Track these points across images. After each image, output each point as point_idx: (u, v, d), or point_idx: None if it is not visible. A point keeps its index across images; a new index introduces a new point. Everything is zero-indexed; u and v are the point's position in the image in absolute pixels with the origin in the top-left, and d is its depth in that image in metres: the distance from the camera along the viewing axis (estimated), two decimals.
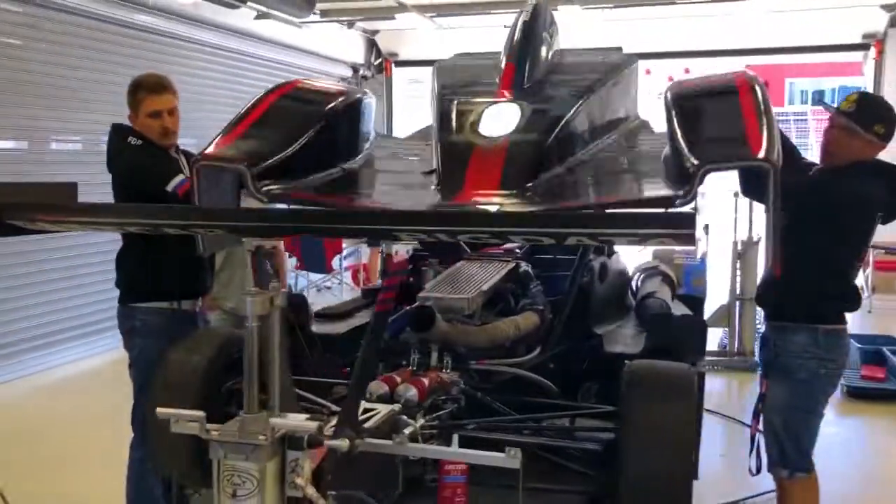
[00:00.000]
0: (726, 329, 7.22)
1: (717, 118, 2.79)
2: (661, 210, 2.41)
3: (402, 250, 3.89)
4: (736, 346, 7.13)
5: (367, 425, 2.64)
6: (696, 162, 2.47)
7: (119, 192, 3.49)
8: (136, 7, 7.19)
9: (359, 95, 3.61)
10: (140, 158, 3.41)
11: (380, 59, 12.75)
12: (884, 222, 3.10)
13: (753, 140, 2.50)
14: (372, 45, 12.58)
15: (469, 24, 10.94)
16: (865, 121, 3.04)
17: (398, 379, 2.92)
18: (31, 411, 5.91)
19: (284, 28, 9.20)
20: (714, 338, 7.52)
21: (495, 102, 3.36)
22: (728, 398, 6.41)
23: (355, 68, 12.42)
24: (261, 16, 8.46)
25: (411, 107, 13.92)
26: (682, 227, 1.72)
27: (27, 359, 6.68)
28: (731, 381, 6.77)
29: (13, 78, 6.39)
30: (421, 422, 2.79)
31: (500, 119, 3.25)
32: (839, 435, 5.32)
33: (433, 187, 3.09)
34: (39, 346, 6.79)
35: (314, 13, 10.18)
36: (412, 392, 2.85)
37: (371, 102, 3.74)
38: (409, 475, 3.04)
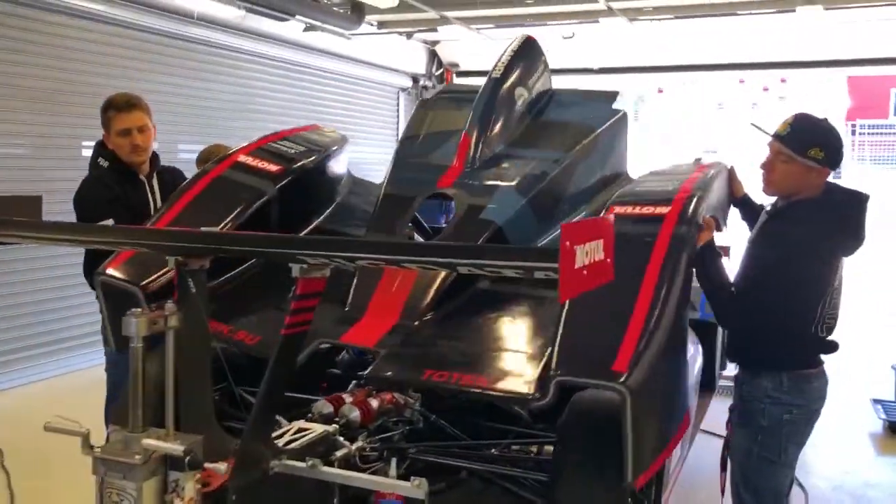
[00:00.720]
0: None
1: (602, 319, 2.52)
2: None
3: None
4: None
5: (293, 445, 2.64)
6: (553, 371, 2.36)
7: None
8: (183, 19, 7.41)
9: (312, 159, 3.60)
10: (87, 190, 3.59)
11: (441, 70, 12.80)
12: (847, 254, 2.88)
13: (622, 357, 2.31)
14: (433, 56, 12.65)
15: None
16: (800, 145, 2.81)
17: (346, 399, 2.91)
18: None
19: (339, 39, 9.32)
20: None
21: (432, 193, 3.32)
22: None
23: (415, 78, 12.50)
24: (309, 28, 8.60)
25: None
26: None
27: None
28: None
29: (61, 88, 6.70)
30: (359, 444, 2.77)
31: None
32: (881, 474, 5.06)
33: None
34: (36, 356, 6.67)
35: (370, 24, 10.35)
36: (355, 413, 2.82)
37: (339, 158, 3.76)
38: (356, 495, 3.02)
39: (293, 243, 2.26)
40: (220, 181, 3.32)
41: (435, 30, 10.00)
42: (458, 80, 12.99)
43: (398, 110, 12.48)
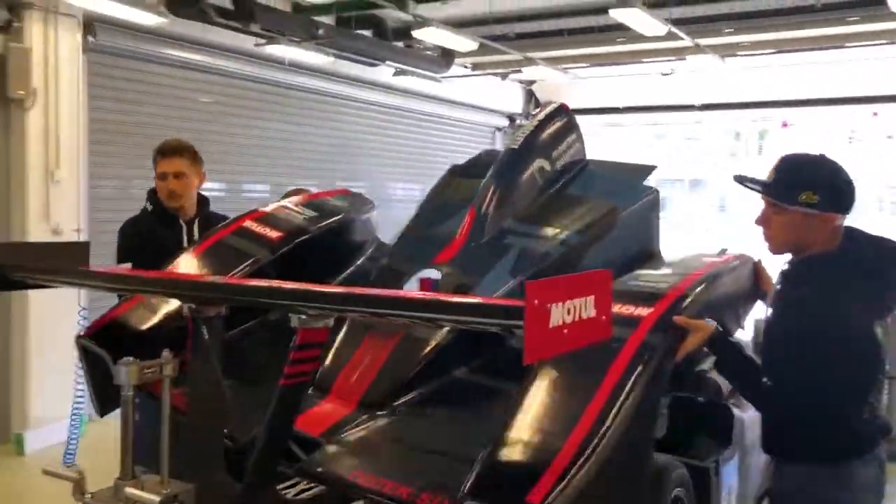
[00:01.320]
0: None
1: (537, 435, 2.25)
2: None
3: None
4: None
5: (302, 497, 2.64)
6: (462, 493, 2.09)
7: None
8: (274, 65, 7.75)
9: (321, 226, 3.58)
10: (122, 230, 3.79)
11: (538, 109, 12.76)
12: (882, 317, 2.44)
13: (542, 484, 2.04)
14: (529, 95, 12.65)
15: (624, 73, 10.74)
16: (787, 191, 2.43)
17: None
18: None
19: (438, 83, 9.47)
20: None
21: (424, 270, 3.17)
22: None
23: (511, 118, 12.53)
24: (399, 72, 8.78)
25: None
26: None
27: None
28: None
29: (159, 134, 7.09)
30: None
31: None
32: None
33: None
34: None
35: (465, 66, 10.48)
36: None
37: (362, 219, 3.78)
38: None
39: (294, 294, 2.26)
40: (219, 246, 3.37)
41: (520, 70, 9.98)
42: None
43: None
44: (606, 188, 3.68)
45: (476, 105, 11.51)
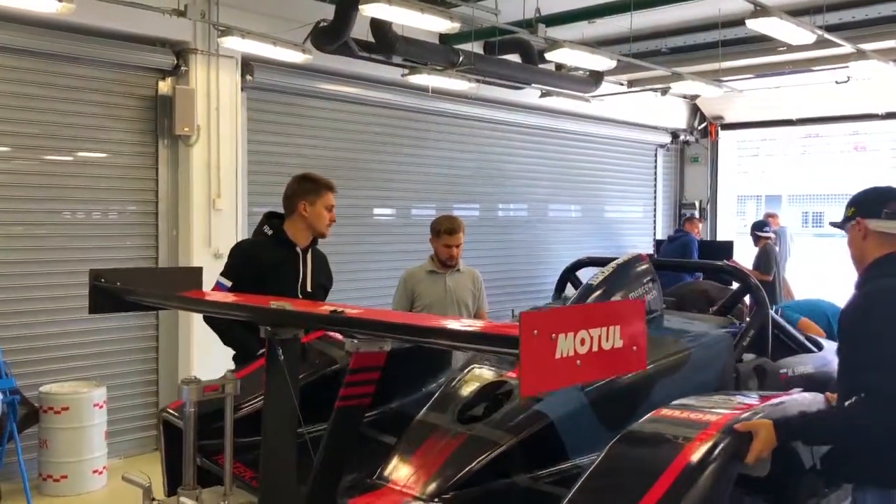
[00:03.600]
0: None
1: None
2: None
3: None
4: None
5: None
6: None
7: None
8: (420, 93, 8.02)
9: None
10: (241, 248, 4.15)
11: (704, 123, 12.29)
12: None
13: None
14: (694, 110, 12.19)
15: (793, 83, 10.11)
16: (843, 216, 2.68)
17: None
18: None
19: (591, 102, 9.40)
20: None
21: (491, 383, 3.27)
22: None
23: (675, 134, 12.13)
24: (545, 94, 8.78)
25: (744, 168, 13.10)
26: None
27: None
28: None
29: (321, 164, 7.56)
30: None
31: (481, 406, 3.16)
32: None
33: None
34: None
35: (620, 84, 10.30)
36: None
37: None
38: None
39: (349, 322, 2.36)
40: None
41: (669, 87, 9.63)
42: (722, 133, 12.40)
43: (656, 168, 12.16)
44: (682, 330, 3.77)
45: (634, 122, 11.24)
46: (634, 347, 1.97)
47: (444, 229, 4.95)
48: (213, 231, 6.69)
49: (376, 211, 8.37)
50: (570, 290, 4.95)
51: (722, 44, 8.25)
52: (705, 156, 12.42)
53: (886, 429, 2.32)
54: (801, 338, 4.14)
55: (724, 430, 2.42)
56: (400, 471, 2.99)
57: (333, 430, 2.46)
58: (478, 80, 7.87)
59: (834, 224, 2.77)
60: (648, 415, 2.67)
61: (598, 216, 11.22)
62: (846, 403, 2.41)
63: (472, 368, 3.52)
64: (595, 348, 1.87)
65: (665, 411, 2.73)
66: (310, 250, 4.10)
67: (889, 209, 2.56)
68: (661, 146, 12.14)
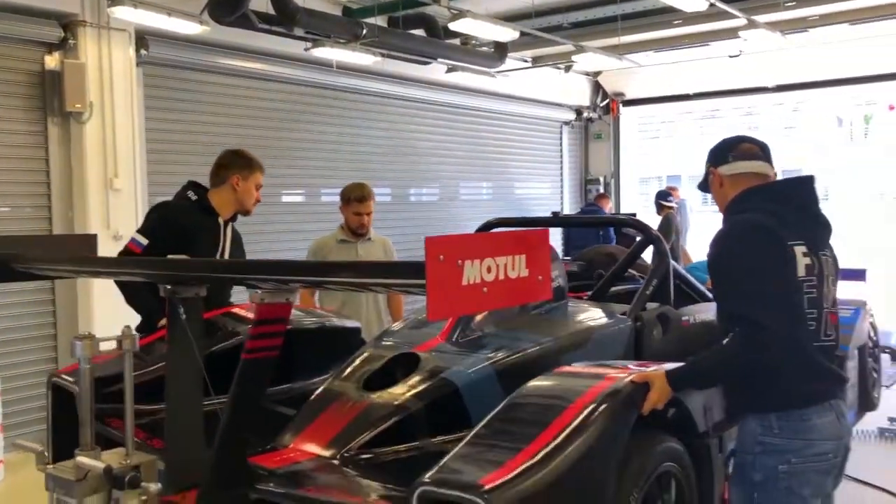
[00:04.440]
0: None
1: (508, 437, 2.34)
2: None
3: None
4: None
5: (279, 470, 2.67)
6: (422, 479, 2.11)
7: None
8: (322, 69, 7.90)
9: None
10: (158, 207, 4.01)
11: (606, 100, 12.55)
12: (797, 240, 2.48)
13: (499, 472, 2.09)
14: (597, 87, 12.44)
15: (689, 58, 10.43)
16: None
17: None
18: None
19: (496, 78, 9.44)
20: None
21: (399, 355, 3.29)
22: None
23: (579, 111, 12.34)
24: (451, 69, 8.78)
25: (644, 150, 13.50)
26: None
27: None
28: None
29: (219, 141, 7.34)
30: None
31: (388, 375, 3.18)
32: None
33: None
34: None
35: (525, 60, 10.39)
36: None
37: None
38: None
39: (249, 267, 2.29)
40: None
41: (574, 62, 9.78)
42: (624, 110, 12.70)
43: (561, 144, 12.36)
44: (587, 316, 3.85)
45: (539, 99, 11.38)
46: (540, 277, 1.98)
47: (354, 196, 4.89)
48: (111, 212, 6.42)
49: (282, 191, 8.20)
50: None
51: (621, 17, 8.43)
52: (608, 132, 12.70)
53: (755, 356, 2.40)
54: (702, 288, 4.27)
55: (619, 381, 2.49)
56: (302, 434, 2.95)
57: (239, 384, 2.40)
58: (383, 55, 7.80)
59: (700, 187, 2.86)
60: (546, 373, 2.73)
61: (507, 193, 11.33)
62: (724, 341, 2.48)
63: (381, 343, 3.52)
64: (501, 276, 1.87)
65: (563, 368, 2.79)
66: (230, 225, 4.04)
67: (735, 153, 2.69)
68: (566, 123, 12.33)
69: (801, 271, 2.47)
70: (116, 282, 3.73)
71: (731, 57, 10.25)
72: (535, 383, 2.59)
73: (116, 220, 6.42)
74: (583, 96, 12.30)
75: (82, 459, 2.10)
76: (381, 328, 4.93)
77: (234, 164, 4.03)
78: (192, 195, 3.98)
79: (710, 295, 4.30)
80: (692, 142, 13.98)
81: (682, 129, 13.46)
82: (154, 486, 2.09)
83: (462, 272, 1.76)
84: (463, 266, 1.77)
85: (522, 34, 7.08)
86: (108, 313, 5.86)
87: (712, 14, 7.06)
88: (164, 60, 6.92)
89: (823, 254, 2.57)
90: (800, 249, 2.49)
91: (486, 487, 2.03)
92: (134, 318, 3.88)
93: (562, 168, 12.39)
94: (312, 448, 2.82)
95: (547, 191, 12.23)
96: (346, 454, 2.77)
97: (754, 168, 2.66)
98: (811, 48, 9.73)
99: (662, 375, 2.50)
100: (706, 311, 4.00)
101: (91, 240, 3.28)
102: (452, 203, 10.37)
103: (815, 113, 14.67)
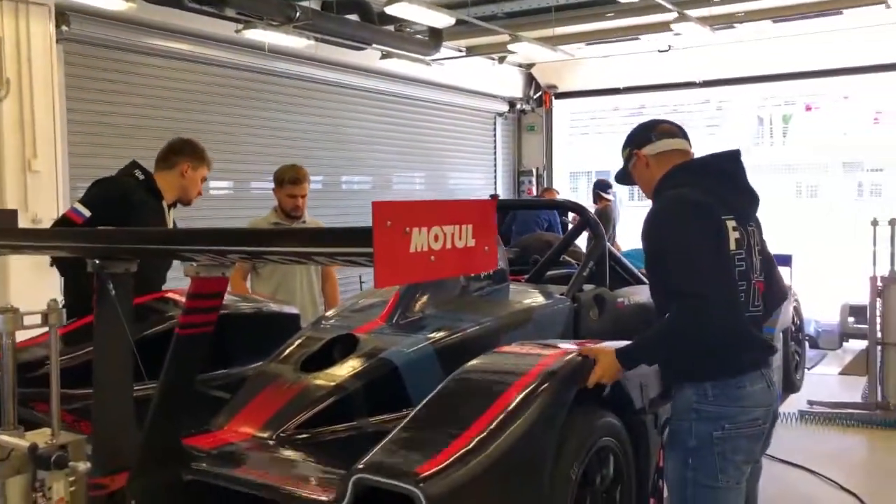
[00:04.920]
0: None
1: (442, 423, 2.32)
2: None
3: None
4: (878, 397, 6.14)
5: (214, 450, 2.59)
6: (353, 468, 2.08)
7: None
8: (255, 52, 7.72)
9: None
10: (105, 180, 3.89)
11: (539, 93, 12.65)
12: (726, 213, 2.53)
13: (435, 459, 2.07)
14: (530, 79, 12.52)
15: (620, 52, 10.60)
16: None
17: None
18: None
19: (425, 65, 9.39)
20: (855, 388, 6.61)
21: (338, 337, 3.24)
22: (862, 458, 5.52)
23: (512, 103, 12.41)
24: (385, 56, 8.71)
25: (575, 145, 13.72)
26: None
27: None
28: (871, 439, 5.83)
29: (147, 124, 7.11)
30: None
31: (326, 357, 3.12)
32: None
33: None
34: None
35: (460, 50, 10.37)
36: None
37: None
38: None
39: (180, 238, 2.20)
40: None
41: (509, 52, 9.82)
42: (556, 102, 12.83)
43: (495, 136, 12.41)
44: (527, 296, 3.88)
45: (473, 90, 11.40)
46: (486, 248, 1.96)
47: (288, 178, 4.79)
48: (29, 195, 6.15)
49: (210, 176, 7.96)
50: None
51: (555, 9, 8.49)
52: (541, 124, 12.80)
53: (700, 328, 2.43)
54: (636, 271, 4.34)
55: (556, 361, 2.50)
56: (238, 416, 2.89)
57: (173, 361, 2.30)
58: (317, 39, 7.67)
59: (619, 176, 2.88)
60: (484, 354, 2.72)
61: (440, 183, 11.32)
62: (668, 316, 2.50)
63: (319, 326, 3.47)
64: (448, 245, 1.84)
65: (502, 349, 2.79)
66: (171, 209, 3.98)
67: (656, 132, 2.73)
68: (500, 114, 12.38)
69: (732, 245, 2.51)
70: (57, 265, 3.58)
71: (660, 52, 10.46)
72: (474, 364, 2.57)
73: (35, 203, 6.15)
74: (516, 88, 12.36)
75: (4, 438, 1.99)
76: (317, 314, 4.86)
77: (186, 151, 4.03)
78: (139, 174, 3.90)
79: (642, 277, 4.39)
80: (619, 139, 14.33)
81: (610, 125, 13.71)
82: (83, 466, 1.99)
83: (410, 239, 1.73)
84: (410, 233, 1.73)
85: (458, 22, 7.05)
86: (25, 292, 5.62)
87: (645, 7, 7.17)
88: (87, 38, 6.65)
89: (750, 225, 2.62)
90: (730, 223, 2.53)
91: (422, 476, 2.01)
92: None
93: (495, 159, 12.44)
94: (248, 429, 2.75)
95: (480, 181, 12.25)
96: (282, 434, 2.71)
97: (677, 145, 2.69)
98: (737, 45, 9.99)
99: (611, 352, 2.52)
100: (639, 294, 4.06)
101: (11, 215, 3.13)
102: (385, 192, 10.29)
103: (737, 112, 15.15)
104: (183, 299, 3.57)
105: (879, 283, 6.11)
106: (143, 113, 7.12)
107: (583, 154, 14.12)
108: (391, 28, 8.47)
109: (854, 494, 4.51)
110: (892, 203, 11.62)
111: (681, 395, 2.58)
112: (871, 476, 5.04)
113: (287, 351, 3.19)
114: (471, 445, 2.12)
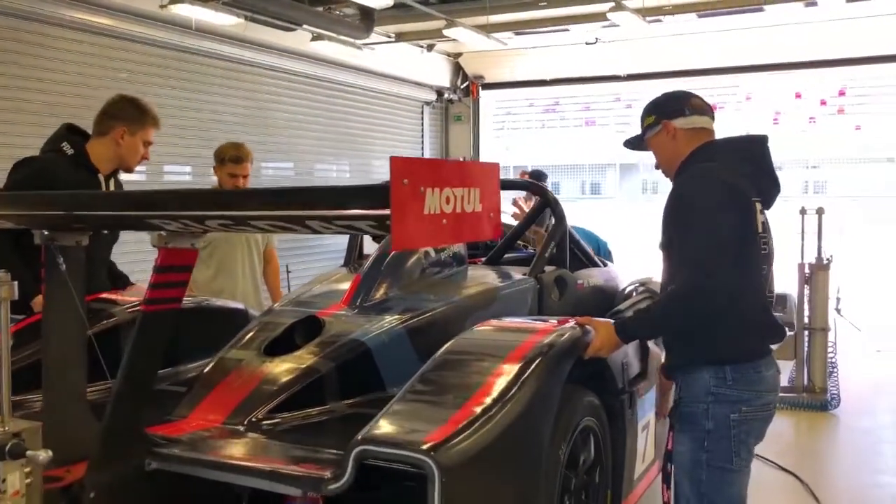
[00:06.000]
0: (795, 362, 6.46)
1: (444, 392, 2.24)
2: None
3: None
4: (805, 381, 6.35)
5: (179, 437, 2.41)
6: (357, 439, 1.97)
7: None
8: (184, 30, 7.38)
9: None
10: (27, 161, 3.48)
11: (466, 83, 12.60)
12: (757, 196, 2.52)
13: (443, 429, 1.99)
14: (457, 68, 12.46)
15: (549, 43, 10.65)
16: (641, 125, 2.73)
17: None
18: None
19: (355, 50, 9.19)
20: (783, 373, 6.83)
21: (301, 320, 3.11)
22: (793, 439, 5.68)
23: (440, 92, 12.32)
24: (316, 38, 8.48)
25: (502, 137, 13.78)
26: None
27: None
28: (799, 421, 6.02)
29: (63, 102, 6.69)
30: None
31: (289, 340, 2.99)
32: None
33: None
34: None
35: (389, 36, 10.21)
36: None
37: None
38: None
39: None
40: None
41: (442, 37, 9.72)
42: (483, 93, 12.81)
43: (423, 125, 12.30)
44: (489, 276, 3.83)
45: (402, 77, 11.25)
46: (491, 214, 1.86)
47: (230, 157, 4.56)
48: None
49: None
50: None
51: None
52: (468, 114, 12.76)
53: (699, 305, 2.40)
54: (592, 254, 4.33)
55: (554, 333, 2.44)
56: (202, 404, 2.71)
57: (138, 340, 2.11)
58: (245, 17, 7.39)
59: (631, 141, 2.78)
60: (477, 325, 2.62)
61: (366, 171, 11.11)
62: (670, 288, 2.47)
63: (275, 311, 3.31)
64: (458, 209, 1.73)
65: (493, 322, 2.70)
66: (112, 178, 3.57)
67: (690, 106, 2.64)
68: (427, 103, 12.27)
69: (759, 227, 2.49)
70: None
71: (587, 44, 10.56)
72: (466, 336, 2.48)
73: None
74: (443, 77, 12.27)
75: None
76: (259, 300, 4.65)
77: (123, 114, 3.53)
78: (67, 148, 3.45)
79: (597, 261, 4.38)
80: (535, 134, 14.44)
81: (525, 122, 13.87)
82: (43, 455, 1.79)
83: (425, 200, 1.61)
84: (425, 194, 1.61)
85: (396, 5, 6.91)
86: None
87: None
88: (2, 8, 6.20)
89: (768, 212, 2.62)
90: (758, 205, 2.51)
91: (431, 444, 1.89)
92: None
93: (423, 148, 12.33)
94: (216, 416, 2.57)
95: None
96: (253, 420, 2.54)
97: (707, 124, 2.63)
98: (661, 40, 10.16)
99: (608, 324, 2.47)
100: (597, 276, 4.04)
101: None
102: (309, 179, 10.02)
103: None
104: (124, 297, 3.36)
105: (807, 271, 6.32)
106: (60, 90, 6.69)
107: (509, 146, 14.24)
108: (322, 10, 8.25)
109: (792, 473, 4.63)
110: (794, 199, 12.09)
111: (697, 376, 2.52)
112: (804, 456, 5.19)
113: (247, 336, 3.02)
114: (477, 414, 2.03)
